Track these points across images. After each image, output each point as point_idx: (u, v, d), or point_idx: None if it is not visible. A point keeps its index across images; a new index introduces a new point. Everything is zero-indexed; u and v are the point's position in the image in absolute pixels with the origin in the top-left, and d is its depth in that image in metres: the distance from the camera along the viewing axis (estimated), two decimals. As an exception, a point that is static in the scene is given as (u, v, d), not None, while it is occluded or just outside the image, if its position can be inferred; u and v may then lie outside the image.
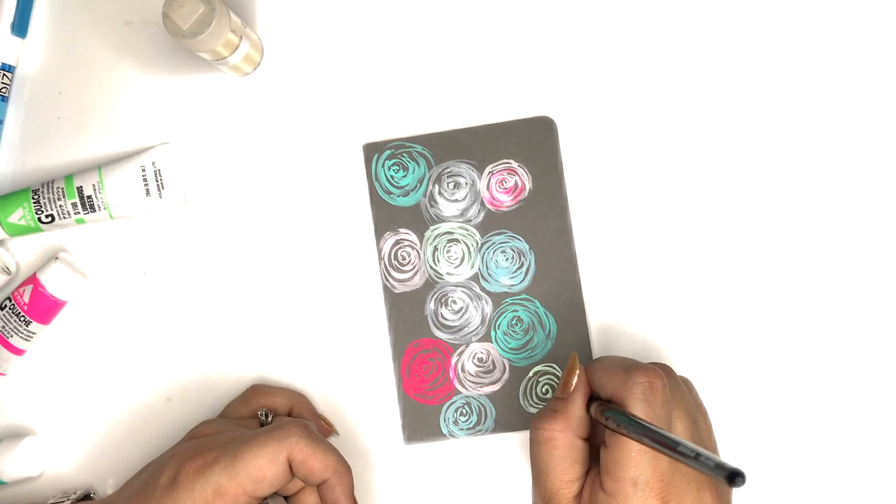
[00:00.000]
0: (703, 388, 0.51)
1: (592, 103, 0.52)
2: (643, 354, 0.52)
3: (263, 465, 0.44)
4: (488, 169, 0.53)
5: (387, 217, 0.53)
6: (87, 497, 0.52)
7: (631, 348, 0.52)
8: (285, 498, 0.48)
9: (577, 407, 0.45)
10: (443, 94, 0.53)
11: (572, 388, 0.46)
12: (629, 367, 0.44)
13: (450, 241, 0.53)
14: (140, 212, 0.53)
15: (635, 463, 0.41)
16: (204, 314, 0.54)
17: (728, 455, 0.50)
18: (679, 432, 0.44)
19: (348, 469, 0.46)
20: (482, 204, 0.53)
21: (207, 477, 0.44)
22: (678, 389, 0.45)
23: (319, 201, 0.53)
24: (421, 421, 0.52)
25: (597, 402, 0.45)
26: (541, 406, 0.52)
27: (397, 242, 0.53)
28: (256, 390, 0.52)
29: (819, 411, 0.51)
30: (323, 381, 0.53)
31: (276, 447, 0.44)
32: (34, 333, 0.53)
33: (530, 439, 0.46)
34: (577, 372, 0.46)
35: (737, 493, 0.48)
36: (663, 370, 0.46)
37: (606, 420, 0.43)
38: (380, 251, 0.53)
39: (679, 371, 0.48)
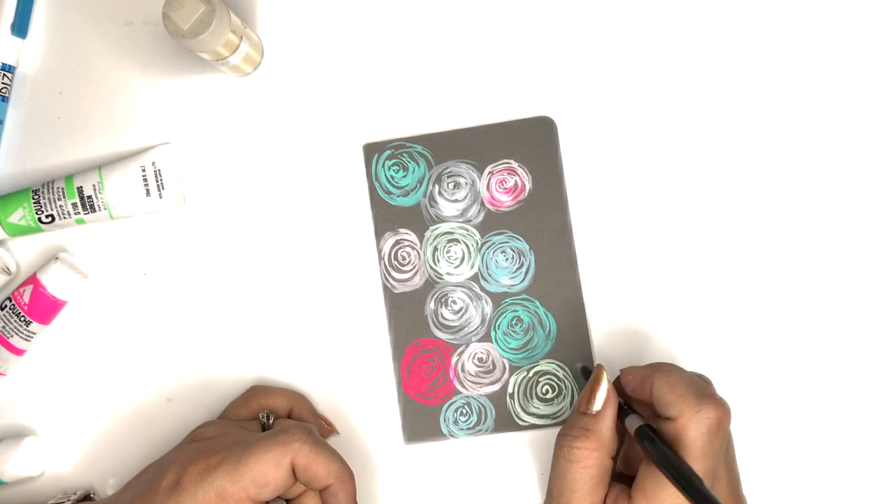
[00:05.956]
0: (703, 388, 0.51)
1: (592, 103, 0.52)
2: (643, 354, 0.52)
3: (267, 469, 0.44)
4: (488, 169, 0.53)
5: (387, 217, 0.53)
6: (87, 497, 0.52)
7: (631, 348, 0.52)
8: (287, 501, 0.48)
9: (609, 426, 0.45)
10: (443, 94, 0.53)
11: (598, 403, 0.45)
12: (701, 395, 0.42)
13: (450, 241, 0.53)
14: (140, 212, 0.53)
15: (675, 490, 0.41)
16: (204, 314, 0.54)
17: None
18: (724, 462, 0.43)
19: (351, 475, 0.46)
20: (482, 204, 0.53)
21: (211, 481, 0.44)
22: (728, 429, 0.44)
23: (319, 201, 0.53)
24: (421, 421, 0.52)
25: (637, 422, 0.44)
26: (541, 407, 0.52)
27: (397, 242, 0.53)
28: (256, 391, 0.52)
29: (820, 411, 0.51)
30: (323, 381, 0.53)
31: (279, 452, 0.44)
32: (34, 333, 0.53)
33: (558, 456, 0.45)
34: (606, 388, 0.45)
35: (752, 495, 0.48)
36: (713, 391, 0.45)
37: (644, 448, 0.42)
38: (380, 251, 0.53)
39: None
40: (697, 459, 0.41)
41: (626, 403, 0.46)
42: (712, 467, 0.42)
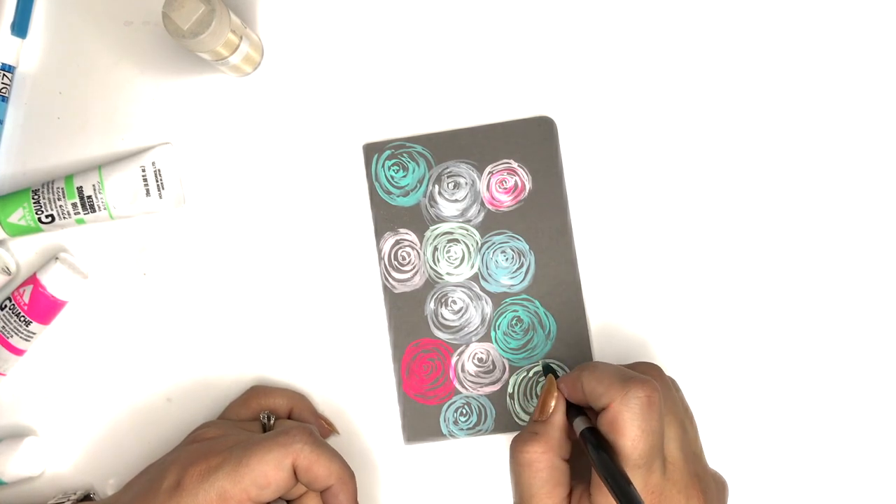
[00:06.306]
0: (700, 389, 0.51)
1: (592, 103, 0.52)
2: (642, 355, 0.52)
3: (268, 470, 0.44)
4: (488, 169, 0.53)
5: (387, 217, 0.53)
6: (87, 497, 0.52)
7: (630, 348, 0.52)
8: (288, 502, 0.48)
9: (557, 428, 0.45)
10: (443, 94, 0.53)
11: (550, 410, 0.46)
12: (626, 378, 0.43)
13: (450, 241, 0.53)
14: (140, 212, 0.53)
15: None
16: (204, 314, 0.54)
17: (724, 457, 0.50)
18: (670, 438, 0.44)
19: (352, 476, 0.46)
20: (482, 204, 0.53)
21: (212, 482, 0.44)
22: (669, 393, 0.45)
23: (319, 201, 0.53)
24: (421, 421, 0.52)
25: (582, 425, 0.44)
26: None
27: (397, 242, 0.53)
28: (256, 391, 0.52)
29: (816, 409, 0.51)
30: (323, 381, 0.53)
31: (281, 453, 0.44)
32: (34, 333, 0.53)
33: (511, 461, 0.45)
34: (556, 395, 0.46)
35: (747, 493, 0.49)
36: (654, 372, 0.46)
37: (585, 446, 0.43)
38: (380, 251, 0.53)
39: (678, 372, 0.48)
40: (638, 439, 0.42)
41: (577, 407, 0.46)
42: (656, 444, 0.42)
